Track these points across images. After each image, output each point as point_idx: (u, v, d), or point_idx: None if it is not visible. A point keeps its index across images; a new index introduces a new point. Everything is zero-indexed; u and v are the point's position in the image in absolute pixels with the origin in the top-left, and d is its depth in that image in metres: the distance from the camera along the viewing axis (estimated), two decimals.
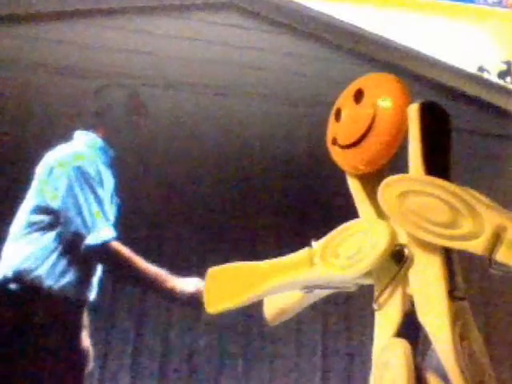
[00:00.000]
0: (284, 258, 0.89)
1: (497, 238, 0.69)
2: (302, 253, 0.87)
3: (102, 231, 2.04)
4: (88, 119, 2.27)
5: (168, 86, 3.78)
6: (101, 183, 2.10)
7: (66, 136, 2.23)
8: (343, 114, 0.84)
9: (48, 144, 2.20)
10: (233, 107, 3.96)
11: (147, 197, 3.50)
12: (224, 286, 0.93)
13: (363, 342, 3.76)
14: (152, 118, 2.29)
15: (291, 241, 3.99)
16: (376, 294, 0.80)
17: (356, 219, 0.87)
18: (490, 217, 0.70)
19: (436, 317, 0.72)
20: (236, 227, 3.70)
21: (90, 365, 2.19)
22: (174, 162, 3.75)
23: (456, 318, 0.72)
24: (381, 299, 0.78)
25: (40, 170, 2.14)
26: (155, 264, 3.86)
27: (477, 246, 0.70)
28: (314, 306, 0.97)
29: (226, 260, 3.57)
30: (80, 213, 1.99)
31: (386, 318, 0.77)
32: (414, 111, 0.80)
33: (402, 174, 0.77)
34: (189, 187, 3.73)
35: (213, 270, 0.96)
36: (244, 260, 3.36)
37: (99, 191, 2.10)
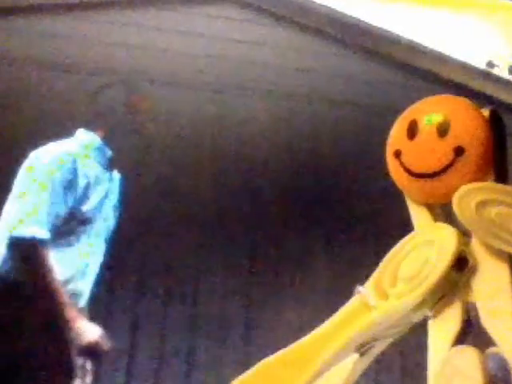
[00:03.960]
0: (332, 318, 0.84)
1: None
2: (353, 303, 0.83)
3: (33, 227, 2.09)
4: (88, 119, 2.33)
5: (165, 82, 3.83)
6: (74, 187, 2.16)
7: (61, 134, 2.31)
8: (420, 142, 0.83)
9: (41, 141, 2.29)
10: (232, 104, 4.00)
11: (145, 195, 3.56)
12: None
13: None
14: (150, 115, 2.37)
15: (292, 237, 4.04)
16: (430, 300, 0.80)
17: (410, 234, 0.85)
18: None
19: (507, 325, 0.76)
20: (235, 224, 3.75)
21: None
22: (172, 159, 3.81)
23: None
24: (437, 307, 0.79)
25: (24, 164, 2.23)
26: (153, 261, 3.93)
27: None
28: None
29: (225, 257, 3.63)
30: (25, 205, 2.08)
31: (444, 326, 0.79)
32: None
33: (479, 183, 0.80)
34: (187, 184, 3.78)
35: (255, 372, 0.85)
36: (243, 255, 3.46)
37: (62, 195, 2.16)
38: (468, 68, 4.45)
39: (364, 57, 4.24)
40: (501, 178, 0.81)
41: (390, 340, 0.85)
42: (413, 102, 3.89)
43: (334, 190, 3.70)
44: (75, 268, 2.22)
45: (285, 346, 0.87)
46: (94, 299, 2.40)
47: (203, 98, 3.97)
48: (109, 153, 2.31)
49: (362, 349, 0.83)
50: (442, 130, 0.82)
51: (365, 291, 0.83)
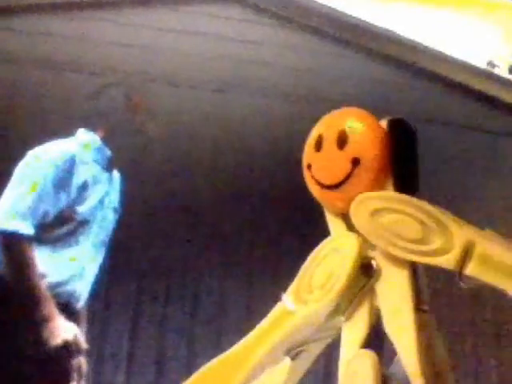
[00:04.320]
0: (259, 325, 0.86)
1: (466, 253, 0.75)
2: (276, 309, 0.86)
3: (16, 222, 2.10)
4: (88, 118, 2.34)
5: (165, 82, 3.84)
6: (68, 187, 2.15)
7: (61, 134, 2.33)
8: (324, 154, 0.87)
9: (41, 141, 2.30)
10: (232, 103, 4.01)
11: (145, 195, 3.57)
12: None
13: None
14: (150, 115, 2.37)
15: (293, 237, 4.05)
16: (343, 305, 0.82)
17: (323, 242, 0.87)
18: (460, 232, 0.76)
19: (403, 329, 0.78)
20: (235, 224, 3.76)
21: None
22: (172, 159, 3.81)
23: (422, 331, 0.78)
24: (348, 311, 0.81)
25: (22, 161, 2.24)
26: (153, 261, 3.95)
27: (447, 261, 0.76)
28: None
29: (226, 257, 3.64)
30: (13, 200, 2.09)
31: (354, 329, 0.81)
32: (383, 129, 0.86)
33: (374, 192, 0.82)
34: (187, 184, 3.79)
35: (191, 381, 0.88)
36: (244, 255, 3.47)
37: (53, 194, 2.16)
38: (468, 67, 4.45)
39: (364, 56, 4.25)
40: (405, 186, 0.82)
41: (327, 342, 0.86)
42: (413, 101, 3.89)
43: None
44: (73, 269, 2.23)
45: None
46: (94, 300, 2.41)
47: (203, 97, 3.98)
48: (108, 153, 2.31)
49: (292, 352, 0.84)
50: (341, 142, 0.84)
51: (285, 297, 0.85)
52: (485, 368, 4.01)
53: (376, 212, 0.80)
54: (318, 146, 0.88)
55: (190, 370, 0.83)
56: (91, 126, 2.35)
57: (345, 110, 0.90)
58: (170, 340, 3.63)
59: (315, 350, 0.87)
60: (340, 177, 0.83)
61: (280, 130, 4.02)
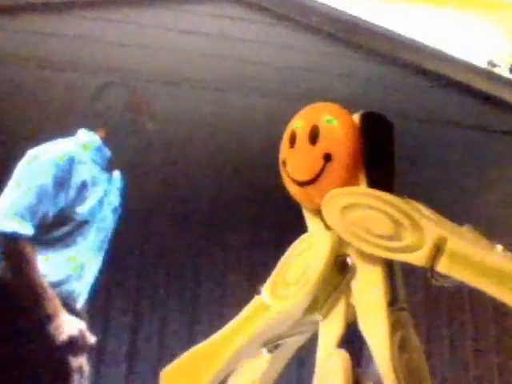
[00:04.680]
0: (236, 318, 0.85)
1: (437, 250, 0.73)
2: (253, 303, 0.86)
3: (15, 223, 2.10)
4: (88, 118, 2.34)
5: (165, 81, 3.84)
6: (67, 187, 2.15)
7: (61, 134, 2.34)
8: (297, 150, 0.85)
9: (41, 141, 2.31)
10: (232, 103, 4.01)
11: (145, 195, 3.58)
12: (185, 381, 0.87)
13: None
14: (150, 115, 2.38)
15: (293, 237, 4.07)
16: (319, 301, 0.81)
17: (299, 238, 0.87)
18: (431, 229, 0.73)
19: (375, 326, 0.76)
20: (235, 224, 3.76)
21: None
22: (172, 159, 3.82)
23: (395, 328, 0.77)
24: (324, 309, 0.80)
25: (21, 161, 2.24)
26: (153, 261, 3.95)
27: (418, 258, 0.74)
28: None
29: (226, 257, 3.63)
30: (12, 200, 2.08)
31: (330, 328, 0.80)
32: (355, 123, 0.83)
33: (346, 187, 0.80)
34: (187, 184, 3.79)
35: (167, 372, 0.89)
36: (243, 254, 3.47)
37: (52, 194, 2.16)
38: (469, 67, 4.45)
39: (364, 56, 4.25)
40: (378, 182, 0.81)
41: (306, 336, 0.85)
42: (413, 101, 3.88)
43: None
44: (72, 269, 2.23)
45: None
46: (94, 300, 2.41)
47: (203, 97, 3.98)
48: (108, 153, 2.31)
49: (269, 346, 0.84)
50: (313, 138, 0.83)
51: (261, 291, 0.85)
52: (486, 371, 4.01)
53: (347, 208, 0.79)
54: (292, 141, 0.86)
55: None
56: (91, 126, 2.36)
57: (318, 104, 0.88)
58: (170, 339, 3.63)
59: (294, 343, 0.86)
60: (313, 173, 0.82)
61: (279, 130, 4.01)
